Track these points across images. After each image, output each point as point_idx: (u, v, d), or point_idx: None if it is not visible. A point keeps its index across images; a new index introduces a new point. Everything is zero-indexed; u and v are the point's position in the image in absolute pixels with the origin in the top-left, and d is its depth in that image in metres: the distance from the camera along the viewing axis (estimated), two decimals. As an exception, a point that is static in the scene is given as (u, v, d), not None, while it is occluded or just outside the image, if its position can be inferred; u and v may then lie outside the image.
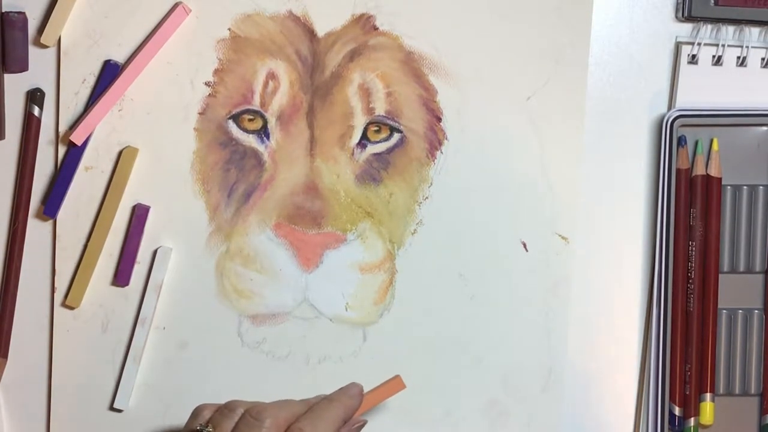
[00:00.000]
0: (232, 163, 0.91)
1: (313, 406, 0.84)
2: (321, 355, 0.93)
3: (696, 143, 0.93)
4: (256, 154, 0.92)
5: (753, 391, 0.94)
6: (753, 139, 0.94)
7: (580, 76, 0.92)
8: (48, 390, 0.92)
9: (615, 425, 0.94)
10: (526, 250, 0.93)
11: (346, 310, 0.93)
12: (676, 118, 0.91)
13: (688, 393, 0.93)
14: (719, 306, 0.93)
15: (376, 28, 0.91)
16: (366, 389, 0.93)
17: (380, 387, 0.87)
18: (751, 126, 0.93)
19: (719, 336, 0.93)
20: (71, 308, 0.92)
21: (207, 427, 0.82)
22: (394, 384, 0.87)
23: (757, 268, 0.94)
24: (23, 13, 0.89)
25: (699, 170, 0.93)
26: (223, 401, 0.92)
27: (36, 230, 0.91)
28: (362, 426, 0.86)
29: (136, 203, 0.91)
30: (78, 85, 0.90)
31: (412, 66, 0.92)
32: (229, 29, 0.91)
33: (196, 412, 0.84)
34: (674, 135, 0.92)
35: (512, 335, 0.93)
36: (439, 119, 0.92)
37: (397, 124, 0.92)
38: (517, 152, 0.92)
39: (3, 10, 0.89)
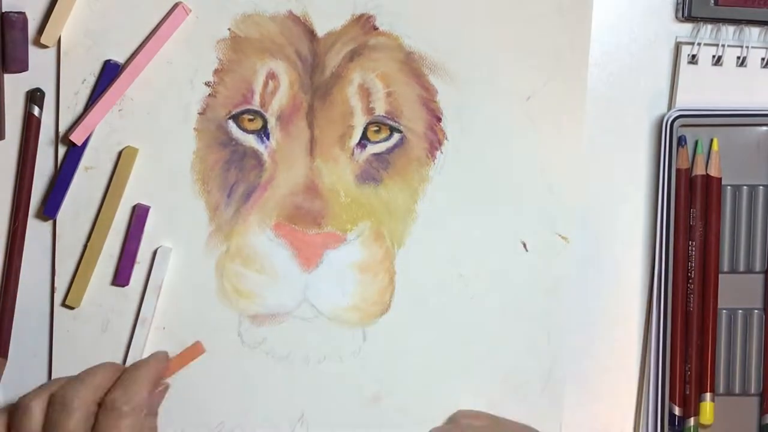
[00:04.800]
0: (232, 163, 0.91)
1: (122, 375, 0.85)
2: (321, 355, 0.93)
3: (696, 143, 0.93)
4: (256, 154, 0.92)
5: (753, 390, 0.94)
6: (753, 139, 0.94)
7: (580, 76, 0.92)
8: (48, 390, 0.92)
9: (615, 425, 0.94)
10: (526, 250, 0.93)
11: (346, 310, 0.93)
12: (676, 118, 0.91)
13: (688, 393, 0.93)
14: (719, 306, 0.93)
15: (376, 28, 0.91)
16: (366, 389, 0.93)
17: (183, 352, 0.91)
18: (751, 126, 0.93)
19: (719, 336, 0.93)
20: (71, 308, 0.92)
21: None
22: (195, 349, 0.91)
23: (757, 267, 0.94)
24: (23, 13, 0.89)
25: (699, 170, 0.93)
26: (224, 401, 0.92)
27: (36, 230, 0.91)
28: (166, 389, 0.88)
29: (136, 203, 0.91)
30: (78, 85, 0.90)
31: (412, 66, 0.91)
32: (229, 29, 0.91)
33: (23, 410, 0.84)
34: (674, 135, 0.92)
35: (512, 335, 0.93)
36: (439, 119, 0.92)
37: (397, 124, 0.92)
38: (517, 152, 0.92)
39: (3, 10, 0.89)
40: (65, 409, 0.82)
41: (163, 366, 0.88)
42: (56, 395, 0.83)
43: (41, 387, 0.85)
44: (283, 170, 0.92)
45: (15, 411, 0.84)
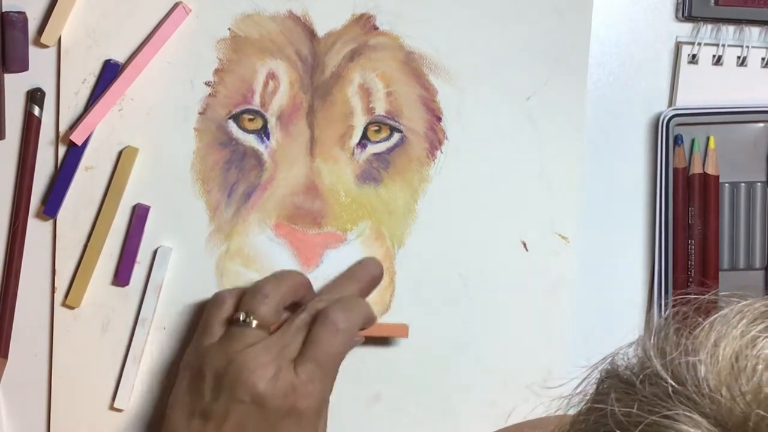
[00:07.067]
0: (232, 163, 0.91)
1: (345, 298, 0.88)
2: (321, 354, 0.93)
3: (692, 142, 0.93)
4: (256, 154, 0.92)
5: (757, 387, 0.94)
6: (749, 136, 0.94)
7: (580, 76, 0.92)
8: (48, 390, 0.92)
9: (615, 424, 0.94)
10: (526, 250, 0.93)
11: (346, 310, 0.93)
12: (671, 117, 0.92)
13: (692, 391, 0.93)
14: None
15: (376, 28, 0.91)
16: (366, 389, 0.93)
17: (389, 323, 0.92)
18: (746, 123, 0.94)
19: (721, 334, 0.94)
20: (71, 308, 0.91)
21: (247, 317, 0.86)
22: (400, 328, 0.92)
23: (757, 264, 0.94)
24: (23, 13, 0.89)
25: (696, 169, 0.93)
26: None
27: (36, 230, 0.91)
28: (358, 343, 0.90)
29: (136, 203, 0.91)
30: (78, 85, 0.90)
31: (412, 66, 0.92)
32: (229, 29, 0.91)
33: (219, 301, 0.88)
34: (670, 134, 0.92)
35: (512, 335, 0.93)
36: (439, 119, 0.92)
37: (397, 123, 0.92)
38: (516, 152, 0.92)
39: (3, 10, 0.89)
40: (261, 298, 0.86)
41: (370, 317, 0.90)
42: (253, 286, 0.88)
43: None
44: (283, 170, 0.92)
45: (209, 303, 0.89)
